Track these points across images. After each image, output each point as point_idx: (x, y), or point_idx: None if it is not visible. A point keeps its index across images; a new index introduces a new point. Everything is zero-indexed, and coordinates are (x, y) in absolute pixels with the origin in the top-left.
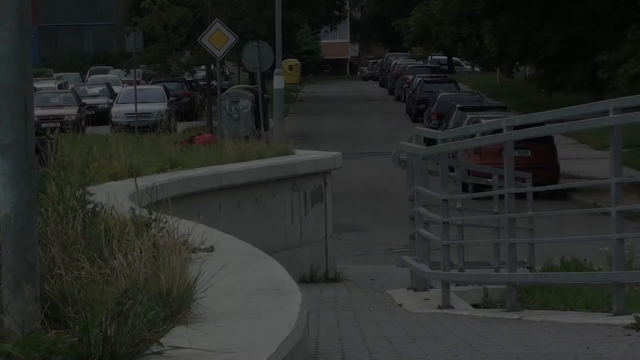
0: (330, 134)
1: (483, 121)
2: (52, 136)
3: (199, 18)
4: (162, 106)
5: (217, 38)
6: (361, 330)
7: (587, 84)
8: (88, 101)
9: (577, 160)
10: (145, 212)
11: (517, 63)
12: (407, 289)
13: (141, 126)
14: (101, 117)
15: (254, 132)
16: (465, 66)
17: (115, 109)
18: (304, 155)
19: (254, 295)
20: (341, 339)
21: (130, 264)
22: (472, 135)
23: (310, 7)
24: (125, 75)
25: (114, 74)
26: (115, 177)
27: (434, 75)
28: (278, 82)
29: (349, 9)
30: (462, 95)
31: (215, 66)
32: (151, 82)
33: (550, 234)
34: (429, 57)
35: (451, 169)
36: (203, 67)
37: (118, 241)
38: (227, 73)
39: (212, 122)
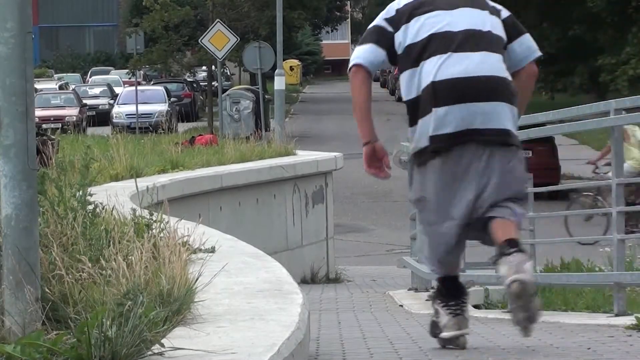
0: (331, 135)
1: None
2: (53, 137)
3: (200, 19)
4: (163, 107)
5: (218, 39)
6: (362, 331)
7: (587, 86)
8: (89, 102)
9: (578, 161)
10: (146, 212)
11: None
12: (408, 290)
13: (142, 127)
14: (102, 117)
15: (255, 132)
16: None
17: (116, 110)
18: (304, 156)
19: (255, 295)
20: (342, 340)
21: (130, 265)
22: None
23: (312, 8)
24: (130, 78)
25: (114, 75)
26: (116, 178)
27: None
28: (279, 83)
29: (349, 9)
30: None
31: (216, 67)
32: (152, 82)
33: (552, 234)
34: None
35: None
36: (204, 67)
37: (119, 242)
38: (228, 74)
39: (213, 123)
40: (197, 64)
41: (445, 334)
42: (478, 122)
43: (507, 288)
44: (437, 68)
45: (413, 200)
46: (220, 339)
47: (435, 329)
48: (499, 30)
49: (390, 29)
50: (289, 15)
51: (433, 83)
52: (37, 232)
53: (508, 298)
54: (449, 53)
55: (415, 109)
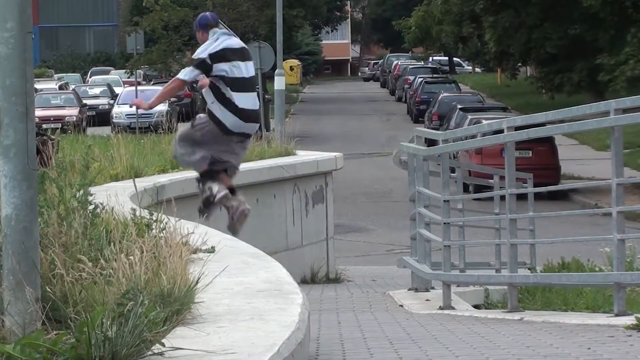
0: (331, 135)
1: (484, 122)
2: (53, 137)
3: None
4: (163, 107)
5: None
6: (362, 331)
7: (586, 85)
8: (89, 102)
9: (578, 161)
10: (146, 212)
11: (519, 64)
12: (408, 290)
13: (142, 127)
14: (102, 117)
15: (255, 132)
16: (466, 67)
17: (116, 110)
18: (305, 156)
19: (255, 296)
20: (342, 340)
21: (131, 265)
22: (473, 136)
23: (311, 7)
24: (128, 77)
25: (114, 75)
26: (116, 178)
27: (435, 75)
28: (279, 83)
29: (349, 9)
30: (463, 96)
31: None
32: (152, 82)
33: (552, 234)
34: (430, 58)
35: (452, 170)
36: None
37: (119, 242)
38: None
39: None
40: None
41: (219, 195)
42: (249, 130)
43: (240, 213)
44: (239, 100)
45: (197, 130)
46: (220, 339)
47: (210, 199)
48: None
49: (210, 62)
50: (288, 14)
51: (242, 109)
52: (37, 232)
53: (237, 219)
54: (243, 93)
55: (225, 106)
